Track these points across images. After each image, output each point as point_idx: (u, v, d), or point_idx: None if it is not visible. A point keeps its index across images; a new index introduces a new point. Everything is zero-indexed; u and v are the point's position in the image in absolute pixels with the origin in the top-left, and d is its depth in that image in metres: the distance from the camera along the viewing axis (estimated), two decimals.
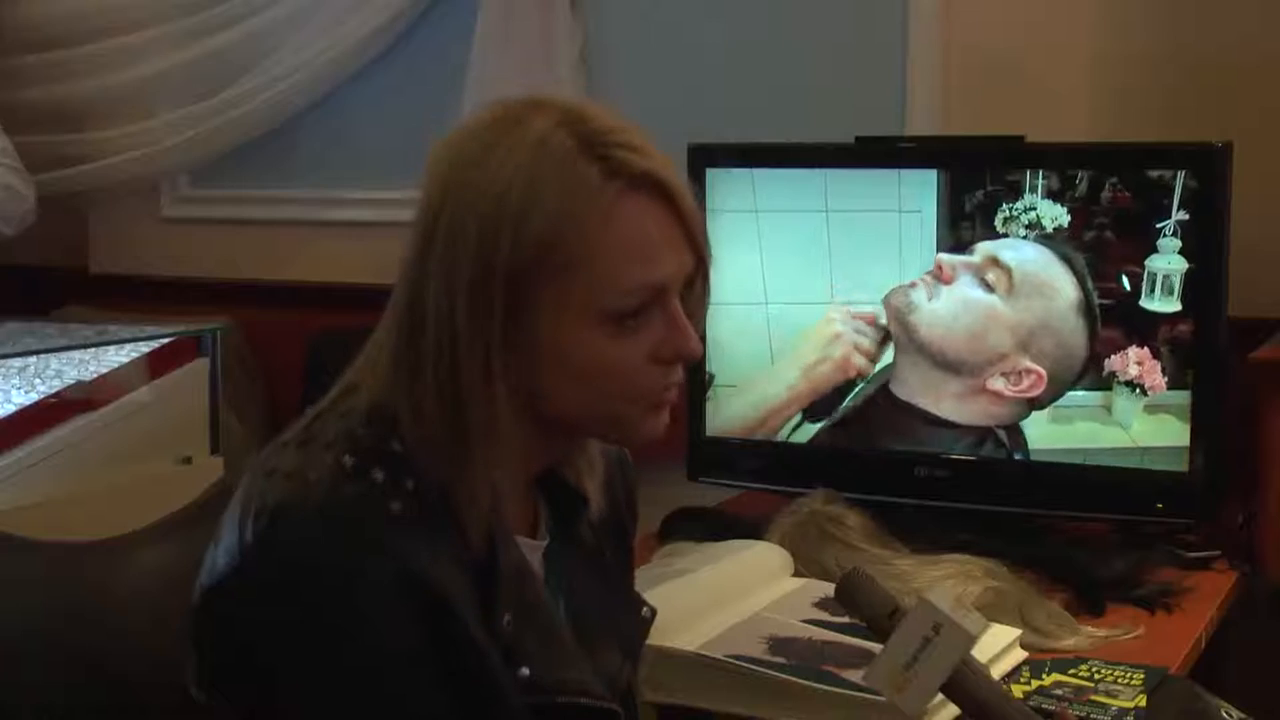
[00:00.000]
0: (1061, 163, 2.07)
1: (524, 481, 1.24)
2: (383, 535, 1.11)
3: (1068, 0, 2.47)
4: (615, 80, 2.70)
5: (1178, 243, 2.00)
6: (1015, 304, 2.08)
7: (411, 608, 1.10)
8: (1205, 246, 1.99)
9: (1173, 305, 2.01)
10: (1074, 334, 2.07)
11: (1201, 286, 1.99)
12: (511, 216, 1.12)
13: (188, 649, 1.16)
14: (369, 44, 3.00)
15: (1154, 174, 2.01)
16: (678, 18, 2.77)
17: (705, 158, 2.21)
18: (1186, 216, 1.99)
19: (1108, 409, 2.06)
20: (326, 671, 1.10)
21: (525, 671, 1.16)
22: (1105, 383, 2.05)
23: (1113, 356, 2.04)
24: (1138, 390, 2.04)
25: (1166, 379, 2.02)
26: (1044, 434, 2.10)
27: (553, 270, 1.13)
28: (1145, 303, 2.03)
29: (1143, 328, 2.03)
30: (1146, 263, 2.02)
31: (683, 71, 2.71)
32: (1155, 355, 2.02)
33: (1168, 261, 2.01)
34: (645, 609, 1.37)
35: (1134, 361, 2.04)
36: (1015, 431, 2.11)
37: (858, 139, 2.22)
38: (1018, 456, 2.11)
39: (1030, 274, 2.08)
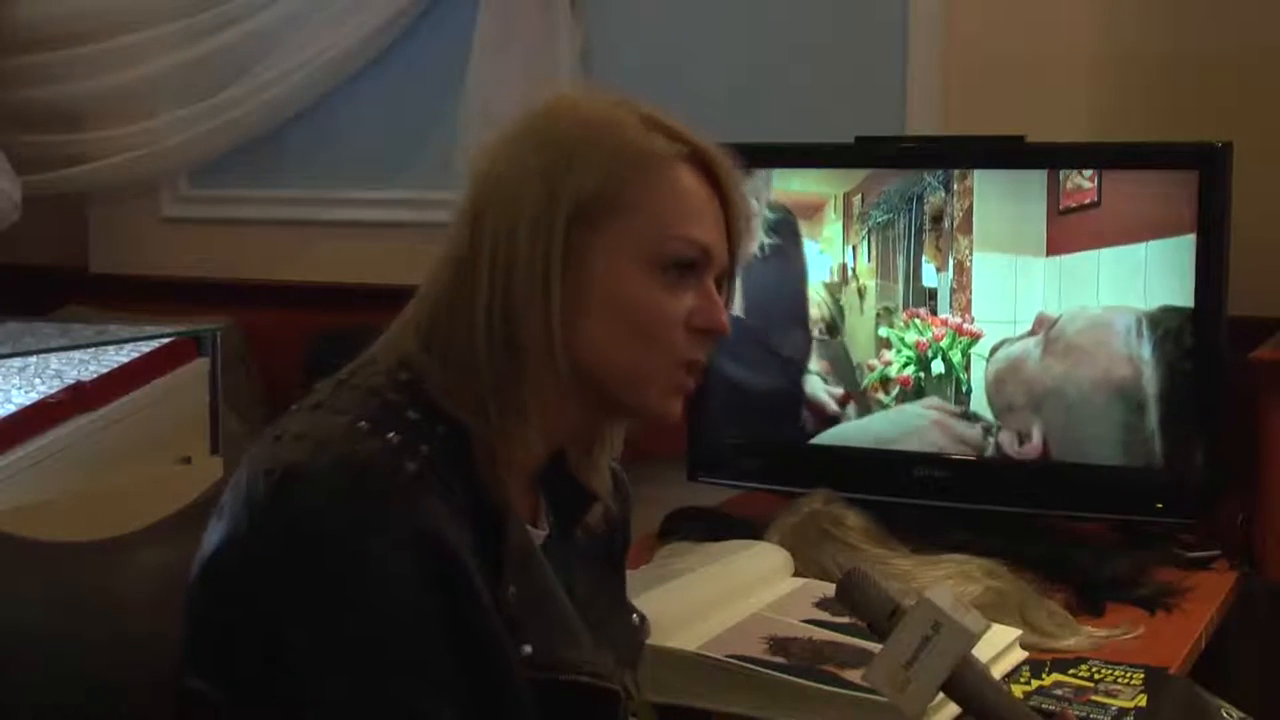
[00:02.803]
0: (1061, 163, 2.07)
1: (530, 469, 1.24)
2: (400, 492, 1.11)
3: (1068, 0, 2.47)
4: (615, 80, 2.70)
5: None
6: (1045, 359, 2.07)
7: (426, 567, 1.10)
8: (1205, 246, 1.98)
9: None
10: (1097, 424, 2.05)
11: (1202, 286, 1.99)
12: (581, 156, 1.18)
13: (184, 632, 1.16)
14: (368, 44, 3.00)
15: None
16: (678, 18, 2.78)
17: None
18: None
19: None
20: (339, 629, 1.09)
21: (528, 649, 1.16)
22: None
23: None
24: None
25: None
26: None
27: (613, 211, 1.18)
28: None
29: None
30: None
31: (683, 71, 2.71)
32: None
33: None
34: (634, 615, 1.37)
35: None
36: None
37: (858, 139, 2.22)
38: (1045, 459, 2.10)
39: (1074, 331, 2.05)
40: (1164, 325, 2.00)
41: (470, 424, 1.16)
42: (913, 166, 2.16)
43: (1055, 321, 2.07)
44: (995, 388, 2.11)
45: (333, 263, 3.06)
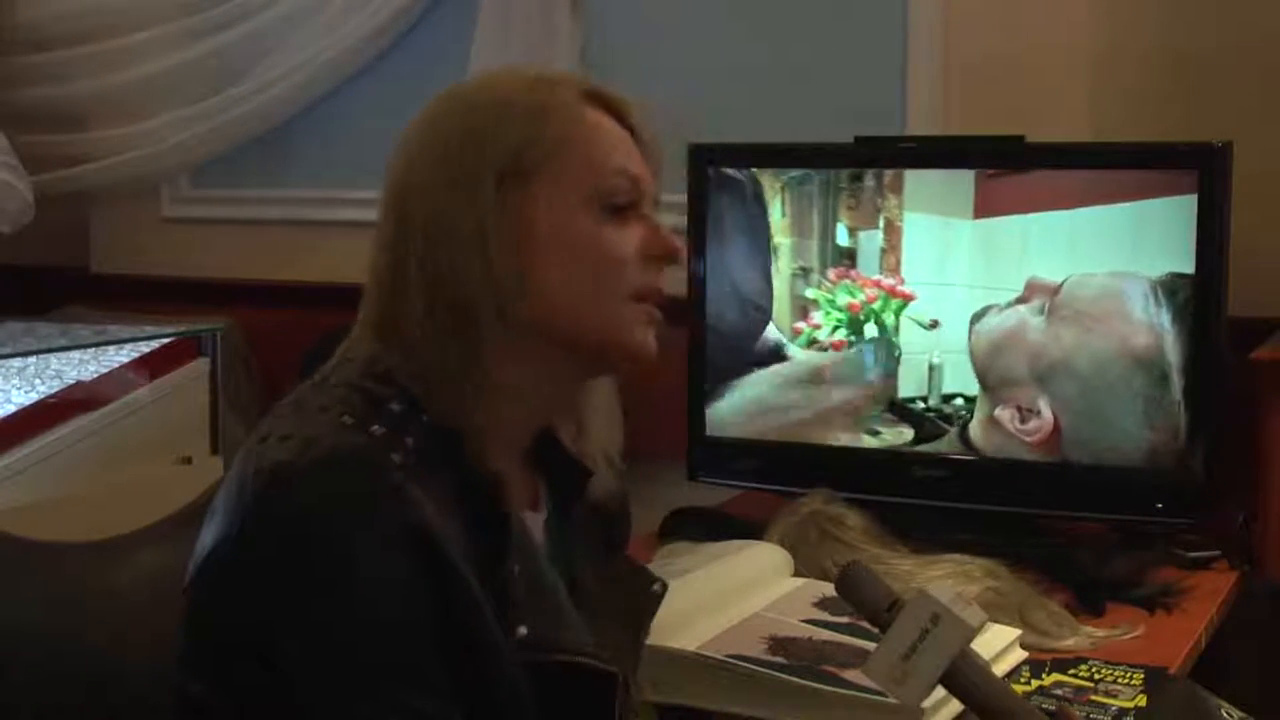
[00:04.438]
0: (1061, 163, 2.07)
1: (521, 445, 1.25)
2: (386, 486, 1.11)
3: (1067, 0, 2.47)
4: (615, 80, 2.66)
5: None
6: (1051, 328, 2.05)
7: (414, 563, 1.10)
8: (1206, 246, 1.99)
9: None
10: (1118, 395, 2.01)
11: (1202, 286, 1.99)
12: (494, 118, 1.20)
13: (180, 635, 1.16)
14: (369, 44, 3.00)
15: None
16: (678, 18, 2.78)
17: (705, 158, 2.21)
18: None
19: None
20: (330, 629, 1.09)
21: (524, 630, 1.16)
22: None
23: None
24: None
25: None
26: None
27: (542, 158, 1.19)
28: None
29: None
30: None
31: (683, 71, 2.72)
32: None
33: None
34: (656, 584, 1.37)
35: None
36: None
37: (858, 139, 2.22)
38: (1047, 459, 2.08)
39: (1083, 298, 2.02)
40: (1182, 293, 1.97)
41: (446, 410, 1.16)
42: (913, 166, 2.15)
43: (1059, 288, 2.03)
44: (988, 359, 2.07)
45: (333, 263, 3.06)
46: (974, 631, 1.23)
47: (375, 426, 1.13)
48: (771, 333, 2.21)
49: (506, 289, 1.17)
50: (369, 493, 1.10)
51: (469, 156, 1.18)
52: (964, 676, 1.22)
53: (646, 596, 1.36)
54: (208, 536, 1.14)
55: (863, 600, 1.27)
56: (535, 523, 1.25)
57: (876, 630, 1.26)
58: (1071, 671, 1.66)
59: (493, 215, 1.17)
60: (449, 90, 1.27)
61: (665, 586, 1.37)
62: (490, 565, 1.15)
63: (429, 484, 1.13)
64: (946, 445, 2.12)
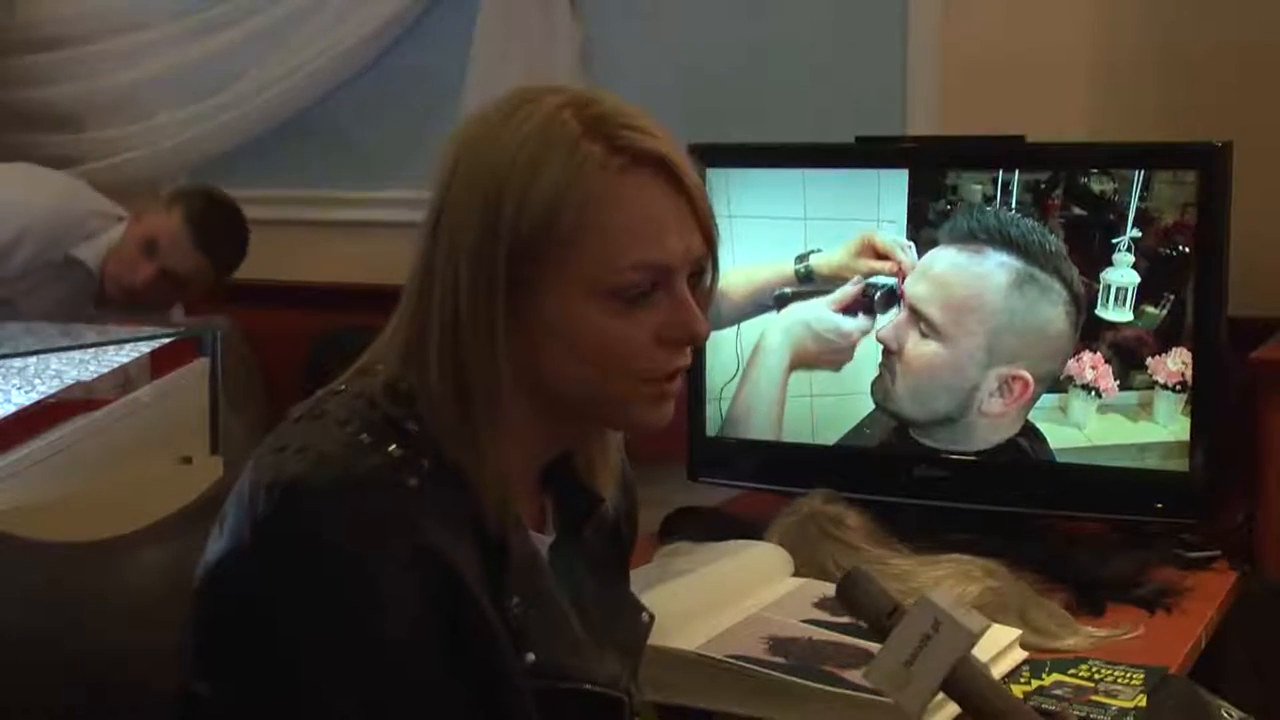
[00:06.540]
0: (1061, 163, 2.07)
1: (532, 473, 1.24)
2: (400, 508, 1.11)
3: (1067, 0, 2.47)
4: (615, 80, 2.71)
5: (1131, 257, 2.01)
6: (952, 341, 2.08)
7: (426, 583, 1.10)
8: (1205, 246, 1.99)
9: (1125, 315, 2.02)
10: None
11: (1201, 286, 1.99)
12: (514, 191, 1.13)
13: (187, 638, 1.15)
14: (369, 44, 3.01)
15: (1108, 188, 2.02)
16: (678, 18, 2.78)
17: (705, 158, 2.21)
18: (1139, 234, 2.00)
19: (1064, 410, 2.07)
20: (339, 644, 1.09)
21: (531, 657, 1.16)
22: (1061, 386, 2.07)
23: (1069, 361, 2.06)
24: (1092, 393, 2.05)
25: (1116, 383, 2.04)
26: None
27: (555, 246, 1.14)
28: (1100, 311, 2.03)
29: (1097, 334, 2.04)
30: (1101, 275, 2.03)
31: (683, 71, 2.72)
32: (1106, 360, 2.04)
33: (1121, 275, 2.02)
34: (644, 614, 1.37)
35: (1088, 366, 2.04)
36: (1038, 439, 2.10)
37: (858, 139, 2.22)
38: (1047, 460, 2.09)
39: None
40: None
41: (453, 453, 1.15)
42: (913, 166, 2.15)
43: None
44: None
45: (333, 263, 3.07)
46: (976, 637, 1.23)
47: (392, 447, 1.13)
48: None
49: (513, 369, 1.15)
50: (381, 515, 1.10)
51: (491, 217, 1.13)
52: (965, 682, 1.22)
53: (636, 625, 1.36)
54: (218, 544, 1.14)
55: (863, 607, 1.27)
56: (543, 545, 1.24)
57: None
58: (1071, 671, 1.66)
59: (502, 296, 1.14)
60: (517, 96, 1.18)
61: (652, 617, 1.37)
62: (498, 590, 1.15)
63: (443, 505, 1.12)
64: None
